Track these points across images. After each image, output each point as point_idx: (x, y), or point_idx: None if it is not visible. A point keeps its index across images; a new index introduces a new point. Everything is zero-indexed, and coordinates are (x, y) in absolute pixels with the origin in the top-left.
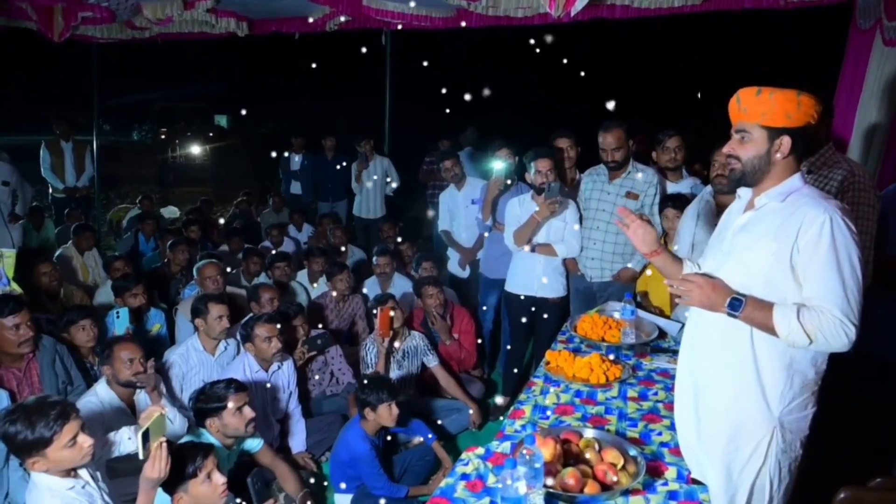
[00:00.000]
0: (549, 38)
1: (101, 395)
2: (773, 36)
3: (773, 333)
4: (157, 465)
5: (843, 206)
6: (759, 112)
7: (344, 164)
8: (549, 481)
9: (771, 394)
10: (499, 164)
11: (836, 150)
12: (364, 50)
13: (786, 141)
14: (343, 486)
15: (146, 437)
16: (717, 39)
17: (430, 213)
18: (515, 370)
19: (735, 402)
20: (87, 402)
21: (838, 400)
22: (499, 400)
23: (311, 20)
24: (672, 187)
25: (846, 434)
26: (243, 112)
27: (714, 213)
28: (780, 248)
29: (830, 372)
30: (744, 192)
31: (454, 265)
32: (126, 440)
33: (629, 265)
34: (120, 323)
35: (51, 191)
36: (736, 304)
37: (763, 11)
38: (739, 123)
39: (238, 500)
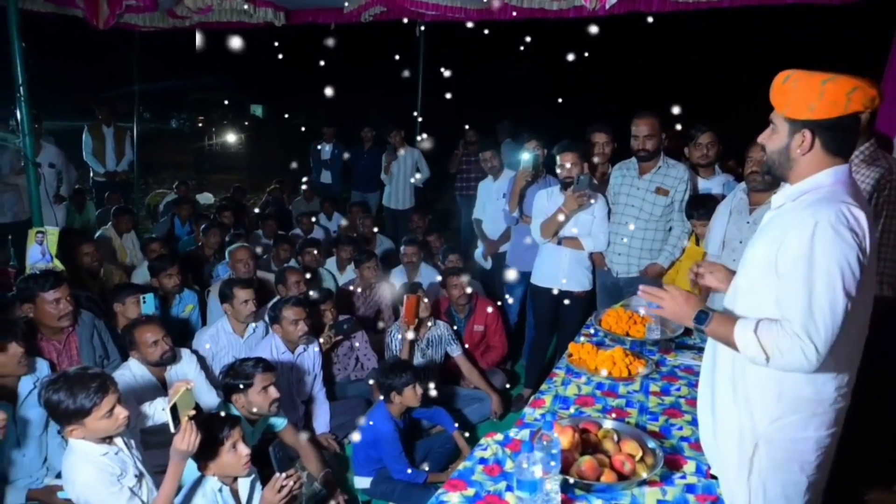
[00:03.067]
0: (582, 32)
1: (133, 370)
2: (816, 31)
3: (737, 349)
4: (186, 438)
5: (851, 209)
6: (783, 102)
7: (376, 155)
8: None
9: (756, 407)
10: (525, 156)
11: (879, 147)
12: (398, 42)
13: (807, 136)
14: (364, 467)
15: (175, 412)
16: (756, 33)
17: (458, 205)
18: (539, 363)
19: (730, 406)
20: (120, 375)
21: (862, 410)
22: (521, 391)
23: (346, 11)
24: (703, 184)
25: (870, 443)
26: (279, 101)
27: (747, 210)
28: (769, 252)
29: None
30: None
31: (479, 256)
32: (160, 410)
33: (657, 261)
34: (146, 308)
35: (91, 174)
36: (702, 317)
37: (806, 5)
38: (773, 112)
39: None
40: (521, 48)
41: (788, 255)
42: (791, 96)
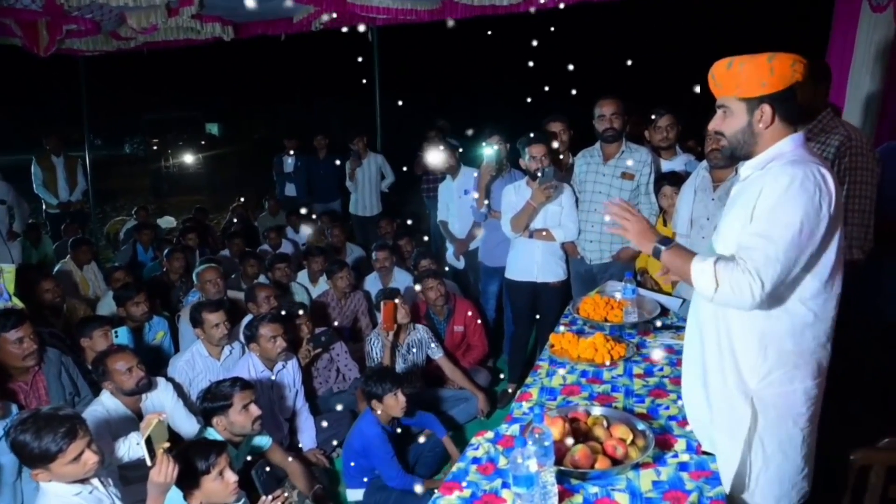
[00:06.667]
0: (535, 24)
1: (106, 404)
2: (760, 7)
3: (690, 281)
4: (163, 471)
5: (821, 169)
6: (734, 85)
7: (336, 163)
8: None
9: (745, 366)
10: (488, 151)
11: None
12: (351, 48)
13: (766, 110)
14: (356, 479)
15: (150, 445)
16: (703, 14)
17: (425, 207)
18: (520, 356)
19: (719, 373)
20: (93, 411)
21: (841, 364)
22: (506, 387)
23: (295, 20)
24: (666, 165)
25: (851, 397)
26: (235, 118)
27: (711, 188)
28: (744, 214)
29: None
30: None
31: (451, 256)
32: (134, 445)
33: (628, 245)
34: (118, 342)
35: (44, 207)
36: (665, 243)
37: None
38: (719, 99)
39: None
40: (477, 44)
41: (759, 207)
42: (741, 78)
